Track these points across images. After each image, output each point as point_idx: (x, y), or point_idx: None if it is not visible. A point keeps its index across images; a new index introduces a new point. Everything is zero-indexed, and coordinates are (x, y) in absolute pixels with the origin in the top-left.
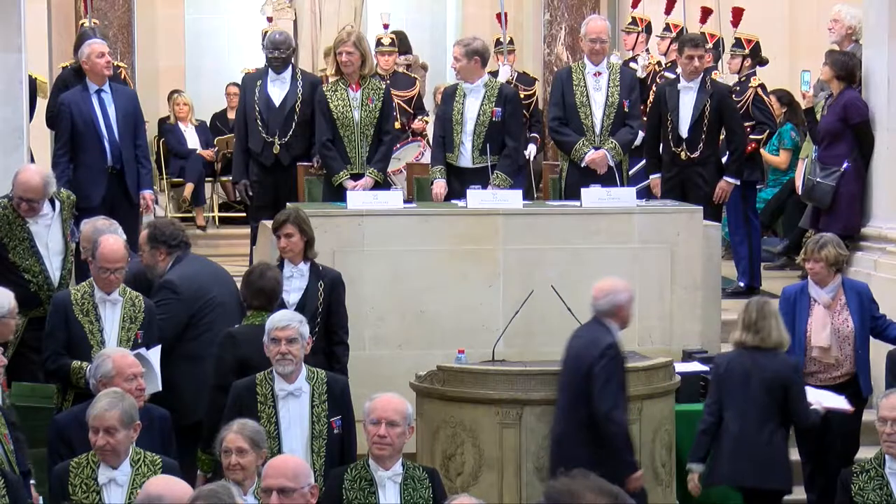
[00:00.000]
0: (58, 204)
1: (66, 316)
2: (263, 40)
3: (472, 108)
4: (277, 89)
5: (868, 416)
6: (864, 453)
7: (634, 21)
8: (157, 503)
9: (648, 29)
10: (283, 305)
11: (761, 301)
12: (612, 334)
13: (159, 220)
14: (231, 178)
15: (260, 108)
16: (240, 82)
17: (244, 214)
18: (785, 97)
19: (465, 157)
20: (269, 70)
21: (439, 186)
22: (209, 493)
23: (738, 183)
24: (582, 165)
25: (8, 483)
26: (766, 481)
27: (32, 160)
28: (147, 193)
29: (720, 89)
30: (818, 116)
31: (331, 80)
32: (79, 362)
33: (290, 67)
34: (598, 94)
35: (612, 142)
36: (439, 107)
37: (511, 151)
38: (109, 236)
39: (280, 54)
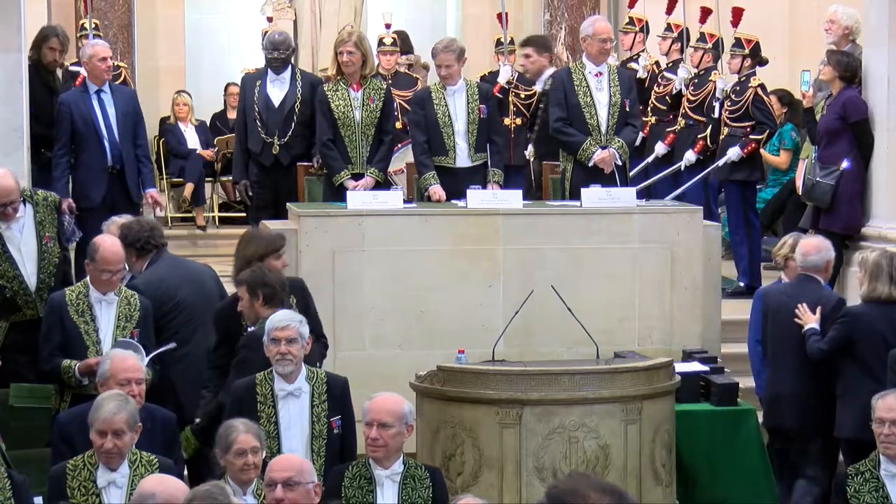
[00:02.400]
0: (30, 206)
1: (61, 317)
2: (263, 40)
3: (460, 107)
4: (277, 89)
5: None
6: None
7: (632, 21)
8: (150, 502)
9: (645, 29)
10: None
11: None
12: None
13: (131, 221)
14: (231, 178)
15: (259, 109)
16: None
17: (244, 214)
18: (786, 97)
19: (462, 157)
20: (269, 70)
21: (438, 193)
22: (205, 493)
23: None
24: (590, 165)
25: (14, 484)
26: None
27: (33, 161)
28: (153, 192)
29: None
30: (818, 117)
31: (332, 79)
32: (68, 361)
33: (289, 67)
34: (600, 94)
35: (618, 141)
36: (415, 112)
37: (501, 147)
38: (107, 237)
39: (279, 54)
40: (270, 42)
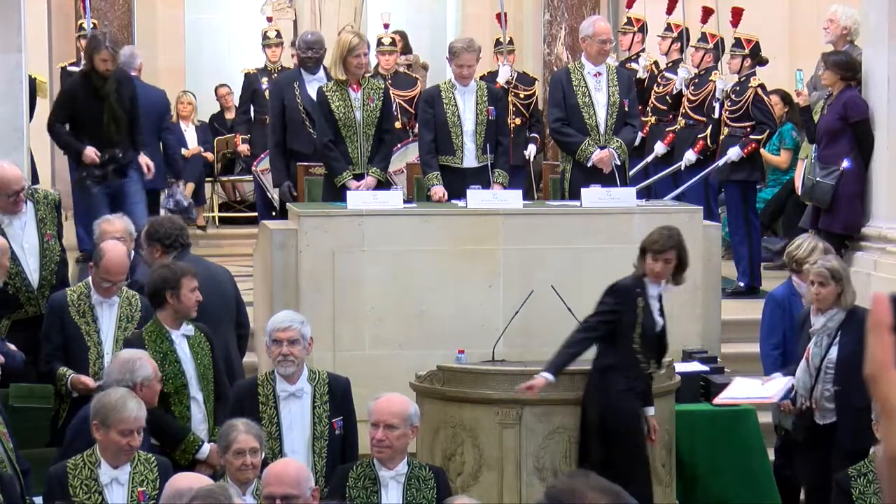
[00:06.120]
0: (31, 204)
1: (61, 317)
2: (296, 41)
3: (469, 107)
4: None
5: None
6: None
7: (630, 21)
8: (184, 500)
9: (644, 29)
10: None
11: None
12: None
13: (162, 218)
14: (273, 182)
15: (307, 110)
16: (233, 83)
17: (245, 214)
18: (788, 97)
19: (469, 157)
20: (302, 71)
21: (438, 193)
22: (207, 493)
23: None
24: (588, 165)
25: (2, 482)
26: None
27: (32, 161)
28: None
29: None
30: (815, 116)
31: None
32: (64, 369)
33: (321, 67)
34: (599, 94)
35: (617, 141)
36: (424, 111)
37: (505, 149)
38: (113, 245)
39: (314, 54)
40: (305, 42)
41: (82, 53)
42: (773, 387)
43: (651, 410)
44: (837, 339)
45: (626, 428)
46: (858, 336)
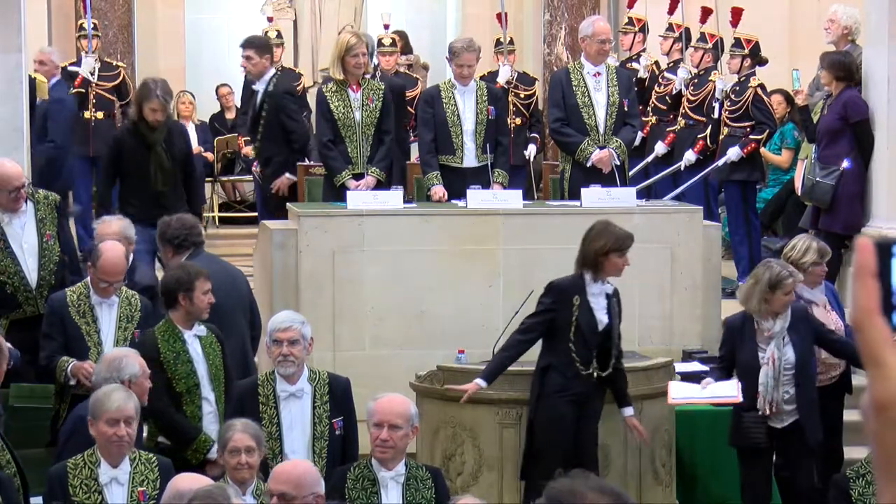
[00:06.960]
0: (31, 204)
1: (62, 318)
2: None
3: (469, 107)
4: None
5: (850, 415)
6: (849, 454)
7: (631, 21)
8: (185, 502)
9: (645, 29)
10: None
11: None
12: None
13: (171, 218)
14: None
15: None
16: (233, 83)
17: (245, 214)
18: (790, 96)
19: (469, 157)
20: None
21: (438, 193)
22: (205, 493)
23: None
24: (588, 165)
25: (1, 483)
26: None
27: (32, 161)
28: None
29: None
30: (815, 116)
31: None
32: (66, 358)
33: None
34: (598, 94)
35: (616, 141)
36: (424, 111)
37: (505, 149)
38: (111, 246)
39: None
40: None
41: (83, 54)
42: (729, 388)
43: (629, 411)
44: (786, 339)
45: (551, 434)
46: (806, 332)
